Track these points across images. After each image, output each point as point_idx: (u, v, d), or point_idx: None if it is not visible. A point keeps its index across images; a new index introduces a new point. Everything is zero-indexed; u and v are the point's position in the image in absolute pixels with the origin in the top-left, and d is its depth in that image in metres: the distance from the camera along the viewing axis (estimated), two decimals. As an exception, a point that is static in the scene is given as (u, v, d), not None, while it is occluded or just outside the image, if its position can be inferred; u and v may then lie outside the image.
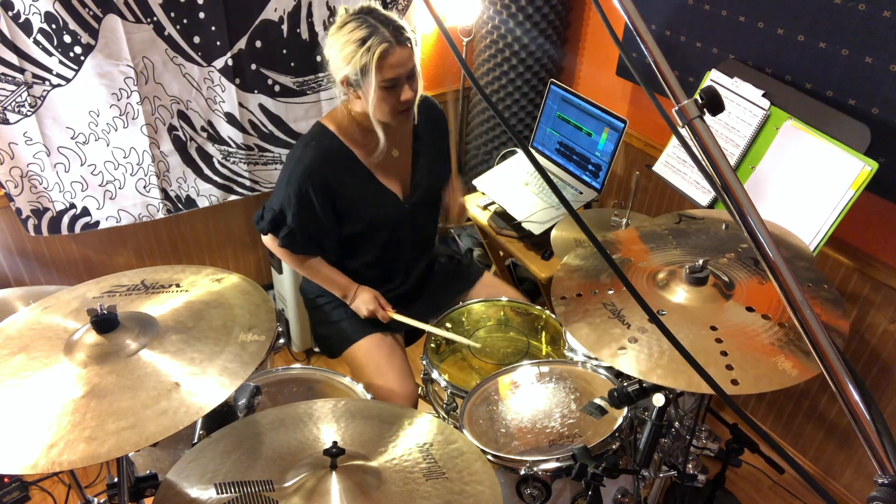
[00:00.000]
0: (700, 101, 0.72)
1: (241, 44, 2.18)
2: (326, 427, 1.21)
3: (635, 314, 1.26)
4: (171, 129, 2.21)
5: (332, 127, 1.71)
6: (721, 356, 1.15)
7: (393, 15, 1.57)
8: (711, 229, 1.53)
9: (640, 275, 1.37)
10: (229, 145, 2.34)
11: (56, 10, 1.85)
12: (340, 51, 1.56)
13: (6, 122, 1.94)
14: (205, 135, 2.28)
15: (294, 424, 1.22)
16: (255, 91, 2.29)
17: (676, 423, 1.46)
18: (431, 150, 1.87)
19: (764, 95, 1.82)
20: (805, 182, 1.70)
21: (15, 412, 1.00)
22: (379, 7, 1.59)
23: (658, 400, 1.27)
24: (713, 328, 1.20)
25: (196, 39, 2.11)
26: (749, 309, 1.25)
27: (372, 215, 1.77)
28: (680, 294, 1.29)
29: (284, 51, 2.27)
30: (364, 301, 1.82)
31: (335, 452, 1.06)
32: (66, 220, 2.16)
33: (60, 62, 1.93)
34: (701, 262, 1.28)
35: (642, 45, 0.74)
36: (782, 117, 1.77)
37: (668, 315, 1.25)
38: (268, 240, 1.80)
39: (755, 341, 1.18)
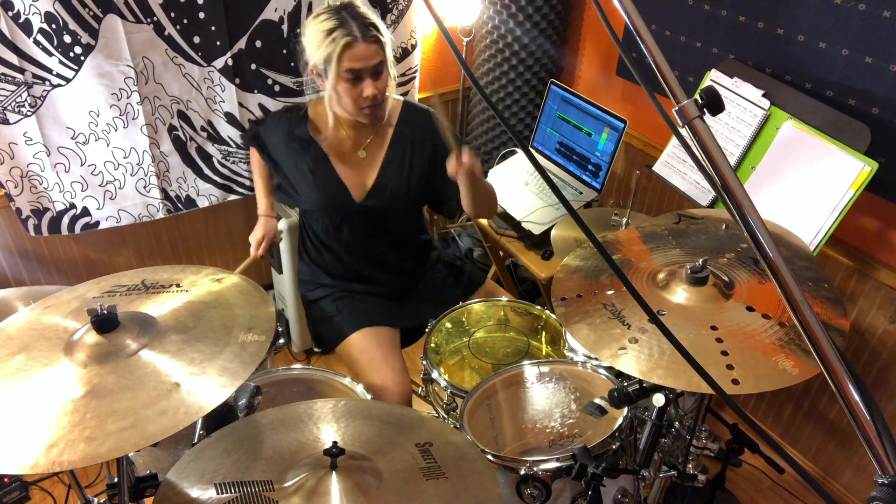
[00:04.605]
0: (700, 101, 0.71)
1: (241, 44, 2.18)
2: (326, 427, 1.21)
3: (635, 314, 1.26)
4: (171, 129, 2.21)
5: (311, 110, 1.78)
6: (721, 356, 1.15)
7: (369, 13, 1.60)
8: (711, 229, 1.53)
9: (640, 275, 1.37)
10: (229, 145, 2.34)
11: (56, 10, 1.85)
12: (311, 39, 1.60)
13: (6, 122, 1.94)
14: (205, 135, 2.28)
15: (294, 424, 1.22)
16: (255, 91, 2.29)
17: (676, 423, 1.46)
18: (410, 163, 1.82)
19: (764, 95, 1.82)
20: (805, 182, 1.70)
21: (15, 412, 1.00)
22: (357, 4, 1.61)
23: (658, 400, 1.27)
24: (713, 328, 1.20)
25: (196, 39, 2.11)
26: (749, 308, 1.25)
27: (315, 197, 1.80)
28: (680, 294, 1.29)
29: (284, 51, 2.27)
30: (257, 228, 2.02)
31: (335, 452, 1.06)
32: (66, 220, 2.16)
33: (60, 62, 1.93)
34: (701, 261, 1.28)
35: (642, 45, 0.74)
36: (782, 117, 1.77)
37: (668, 315, 1.25)
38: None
39: (755, 341, 1.18)
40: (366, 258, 1.92)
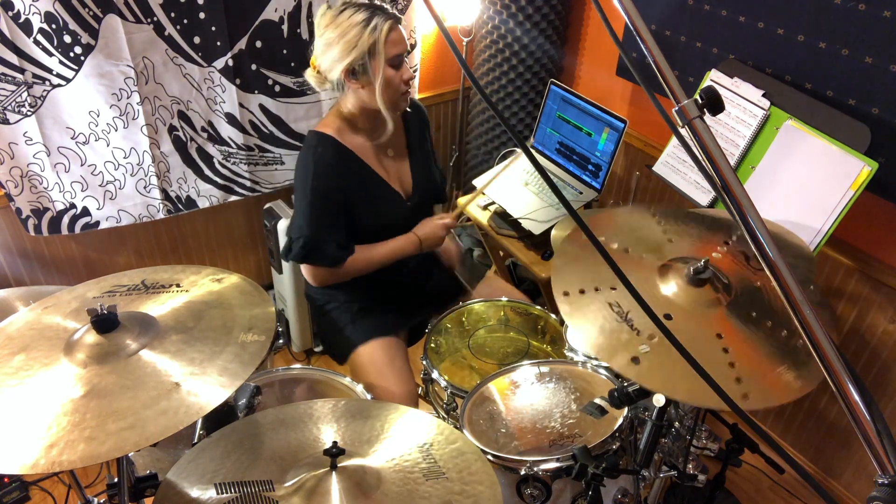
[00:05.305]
0: (700, 101, 0.72)
1: (242, 44, 2.18)
2: (326, 427, 1.21)
3: (643, 316, 1.25)
4: (172, 129, 2.21)
5: (330, 131, 1.69)
6: (724, 353, 1.15)
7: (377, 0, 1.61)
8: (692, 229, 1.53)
9: (640, 277, 1.37)
10: (230, 146, 2.34)
11: (56, 10, 1.85)
12: (342, 37, 1.55)
13: (6, 122, 1.94)
14: (205, 135, 2.28)
15: (294, 424, 1.22)
16: (256, 91, 2.29)
17: (676, 423, 1.46)
18: (422, 148, 1.89)
19: (764, 95, 1.82)
20: (805, 182, 1.70)
21: (15, 412, 1.00)
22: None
23: (658, 400, 1.26)
24: (719, 336, 1.20)
25: (196, 39, 2.11)
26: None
27: (379, 216, 1.77)
28: (681, 294, 1.28)
29: (285, 51, 2.27)
30: (431, 235, 1.81)
31: (335, 452, 1.06)
32: (66, 220, 2.16)
33: (60, 62, 1.93)
34: (703, 262, 1.28)
35: (642, 45, 0.74)
36: (782, 117, 1.77)
37: (674, 318, 1.25)
38: (307, 271, 1.75)
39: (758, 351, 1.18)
40: (397, 263, 1.87)
